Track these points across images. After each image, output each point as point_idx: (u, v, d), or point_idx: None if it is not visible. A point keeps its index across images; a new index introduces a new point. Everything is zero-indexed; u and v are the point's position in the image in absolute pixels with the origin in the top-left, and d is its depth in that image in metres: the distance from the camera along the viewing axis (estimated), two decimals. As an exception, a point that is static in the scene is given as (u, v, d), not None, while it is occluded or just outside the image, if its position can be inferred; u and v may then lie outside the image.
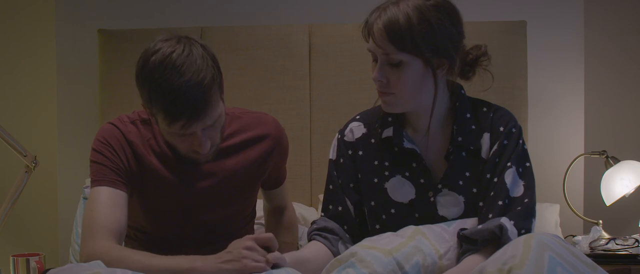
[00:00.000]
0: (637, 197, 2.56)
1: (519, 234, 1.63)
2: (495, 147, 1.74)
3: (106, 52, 2.59)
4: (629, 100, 2.80)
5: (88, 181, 2.44)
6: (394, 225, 1.75)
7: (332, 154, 1.89)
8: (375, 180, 1.81)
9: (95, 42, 2.62)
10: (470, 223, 1.72)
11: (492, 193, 1.71)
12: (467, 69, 1.78)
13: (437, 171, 1.78)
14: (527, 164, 1.74)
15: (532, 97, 2.60)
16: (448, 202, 1.76)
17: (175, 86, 1.62)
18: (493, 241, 1.64)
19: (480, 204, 1.74)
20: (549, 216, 2.45)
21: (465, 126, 1.77)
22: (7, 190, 2.57)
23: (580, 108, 2.73)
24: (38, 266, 2.37)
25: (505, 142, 1.74)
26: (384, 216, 1.80)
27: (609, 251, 2.32)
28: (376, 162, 1.82)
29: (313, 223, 1.87)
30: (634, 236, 2.39)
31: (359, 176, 1.84)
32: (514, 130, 1.75)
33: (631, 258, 2.29)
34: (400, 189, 1.79)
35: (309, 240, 1.84)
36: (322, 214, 1.87)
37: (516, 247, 1.47)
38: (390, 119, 1.81)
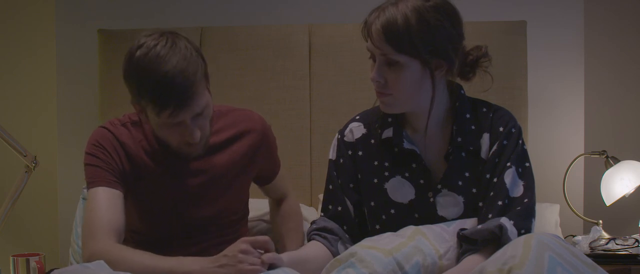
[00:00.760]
0: (637, 197, 2.56)
1: (519, 234, 1.63)
2: (494, 147, 1.74)
3: (106, 52, 2.59)
4: (629, 100, 2.80)
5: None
6: (393, 225, 1.75)
7: (331, 154, 1.89)
8: (375, 180, 1.81)
9: (95, 42, 2.62)
10: (470, 223, 1.72)
11: (491, 193, 1.71)
12: (467, 70, 1.78)
13: (436, 172, 1.78)
14: (527, 165, 1.74)
15: (532, 97, 2.60)
16: (448, 202, 1.76)
17: (161, 74, 1.67)
18: (493, 241, 1.64)
19: (480, 204, 1.74)
20: (549, 216, 2.45)
21: (465, 127, 1.77)
22: (7, 190, 2.57)
23: (580, 108, 2.73)
24: (38, 266, 2.37)
25: (505, 142, 1.74)
26: (383, 217, 1.80)
27: (609, 251, 2.32)
28: (376, 163, 1.82)
29: (313, 222, 1.87)
30: (634, 236, 2.39)
31: (359, 176, 1.84)
32: (513, 130, 1.75)
33: (631, 258, 2.29)
34: (400, 190, 1.79)
35: (309, 240, 1.85)
36: (322, 214, 1.87)
37: (516, 247, 1.47)
38: (390, 119, 1.81)
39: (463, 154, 1.77)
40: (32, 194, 2.75)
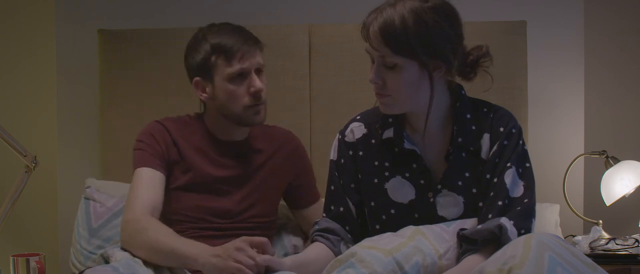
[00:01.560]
0: (637, 197, 2.56)
1: (519, 234, 1.64)
2: (495, 147, 1.74)
3: (106, 52, 2.59)
4: (629, 100, 2.80)
5: (89, 181, 2.49)
6: (393, 225, 1.75)
7: (332, 155, 1.89)
8: (376, 180, 1.81)
9: (96, 42, 2.62)
10: (469, 223, 1.72)
11: (492, 193, 1.71)
12: (467, 70, 1.78)
13: (437, 172, 1.78)
14: (527, 165, 1.74)
15: (532, 97, 2.60)
16: (448, 202, 1.77)
17: (230, 28, 2.04)
18: (493, 241, 1.64)
19: (480, 204, 1.74)
20: (548, 216, 2.45)
21: (466, 127, 1.77)
22: (7, 190, 2.57)
23: (580, 108, 2.73)
24: (38, 266, 2.37)
25: (505, 142, 1.74)
26: (384, 217, 1.80)
27: (609, 251, 2.32)
28: (376, 163, 1.82)
29: (315, 223, 1.87)
30: (634, 236, 2.39)
31: (360, 176, 1.84)
32: (514, 131, 1.75)
33: (631, 258, 2.29)
34: (400, 190, 1.79)
35: (311, 241, 1.85)
36: (324, 214, 1.87)
37: (516, 247, 1.47)
38: (390, 119, 1.81)
39: (463, 154, 1.77)
40: (32, 194, 2.75)
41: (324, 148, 2.48)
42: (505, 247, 1.52)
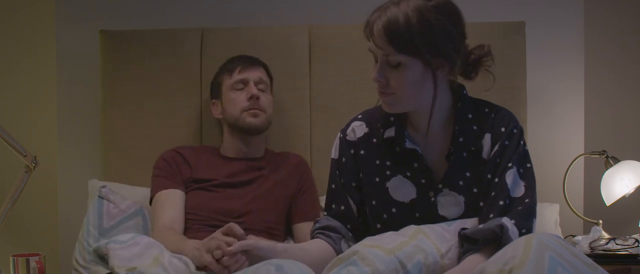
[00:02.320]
0: (637, 197, 2.56)
1: (520, 234, 1.64)
2: (496, 147, 1.74)
3: (108, 53, 2.59)
4: (629, 100, 2.80)
5: (94, 182, 2.50)
6: (394, 224, 1.75)
7: (334, 153, 1.89)
8: (377, 179, 1.81)
9: (96, 43, 2.62)
10: (470, 223, 1.72)
11: (493, 193, 1.71)
12: (469, 70, 1.78)
13: (438, 171, 1.78)
14: (528, 165, 1.74)
15: (531, 97, 2.60)
16: (448, 202, 1.77)
17: (239, 56, 2.40)
18: (494, 241, 1.64)
19: (481, 204, 1.74)
20: (548, 216, 2.45)
21: (467, 127, 1.77)
22: (7, 190, 2.57)
23: (580, 108, 2.73)
24: (38, 266, 2.37)
25: (507, 143, 1.74)
26: (385, 216, 1.80)
27: (609, 251, 2.32)
28: (378, 162, 1.82)
29: (316, 221, 1.87)
30: (634, 236, 2.39)
31: (361, 175, 1.84)
32: (515, 131, 1.75)
33: (631, 258, 2.29)
34: (402, 189, 1.79)
35: (312, 238, 1.85)
36: (325, 213, 1.87)
37: (517, 247, 1.47)
38: (392, 119, 1.81)
39: (464, 154, 1.77)
40: (32, 194, 2.74)
41: (324, 148, 2.48)
42: (505, 247, 1.52)
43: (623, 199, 2.52)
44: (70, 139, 2.77)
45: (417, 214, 1.78)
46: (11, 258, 2.39)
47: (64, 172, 2.77)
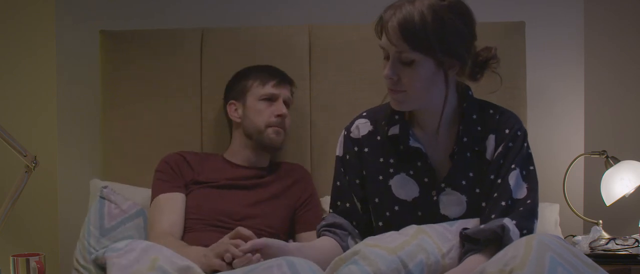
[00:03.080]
0: (637, 197, 2.56)
1: (521, 234, 1.64)
2: (500, 149, 1.75)
3: (108, 53, 2.59)
4: (629, 100, 2.80)
5: (95, 182, 2.51)
6: (397, 222, 1.76)
7: (338, 151, 1.89)
8: (380, 177, 1.82)
9: (96, 43, 2.62)
10: (472, 223, 1.73)
11: (495, 194, 1.71)
12: (476, 71, 1.78)
13: (441, 170, 1.79)
14: (531, 168, 1.75)
15: (531, 97, 2.60)
16: (451, 201, 1.77)
17: (271, 67, 2.38)
18: (495, 241, 1.64)
19: (483, 204, 1.74)
20: (548, 216, 2.45)
21: (471, 127, 1.77)
22: (7, 190, 2.57)
23: (580, 108, 2.73)
24: (38, 266, 2.37)
25: (510, 144, 1.74)
26: (387, 213, 1.81)
27: (609, 251, 2.32)
28: (381, 160, 1.82)
29: (322, 219, 1.88)
30: (634, 236, 2.39)
31: (364, 172, 1.84)
32: (519, 133, 1.76)
33: (631, 258, 2.29)
34: (405, 187, 1.80)
35: (318, 236, 1.85)
36: (331, 210, 1.88)
37: (517, 248, 1.47)
38: (397, 117, 1.82)
39: (468, 154, 1.77)
40: (32, 194, 2.74)
41: (324, 148, 2.49)
42: (506, 248, 1.52)
43: (623, 199, 2.52)
44: (70, 139, 2.76)
45: (420, 213, 1.78)
46: (11, 258, 2.39)
47: (64, 172, 2.77)
